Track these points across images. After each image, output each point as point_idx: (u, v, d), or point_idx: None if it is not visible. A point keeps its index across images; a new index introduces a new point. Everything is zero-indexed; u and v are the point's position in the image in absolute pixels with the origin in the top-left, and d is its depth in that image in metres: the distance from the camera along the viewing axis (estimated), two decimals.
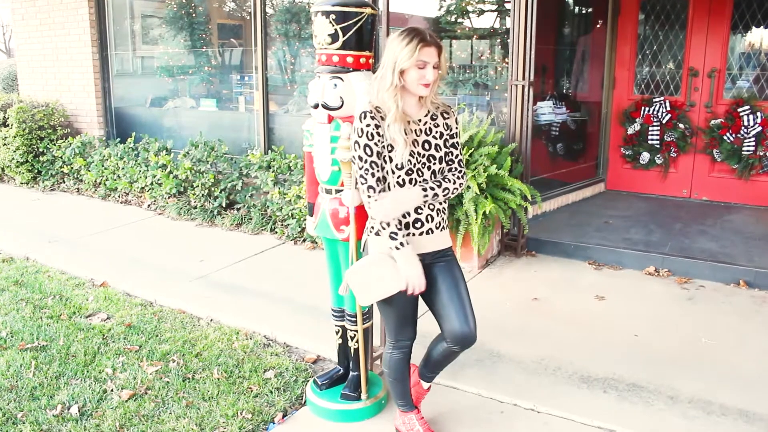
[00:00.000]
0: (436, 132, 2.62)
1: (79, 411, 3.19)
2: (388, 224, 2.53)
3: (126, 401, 3.27)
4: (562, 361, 3.66)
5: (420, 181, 2.57)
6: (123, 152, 7.21)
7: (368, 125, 2.51)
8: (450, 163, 2.69)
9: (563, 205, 6.57)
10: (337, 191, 2.95)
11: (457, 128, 2.70)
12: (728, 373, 3.53)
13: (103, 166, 7.33)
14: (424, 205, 2.59)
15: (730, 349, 3.81)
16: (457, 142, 2.71)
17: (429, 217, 2.61)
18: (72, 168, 7.66)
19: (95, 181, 7.45)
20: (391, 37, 2.52)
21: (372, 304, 3.13)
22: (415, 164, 2.56)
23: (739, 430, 3.03)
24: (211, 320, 4.23)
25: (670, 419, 3.12)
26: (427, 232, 2.62)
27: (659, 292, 4.68)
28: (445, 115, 2.66)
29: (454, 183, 2.65)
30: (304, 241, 5.69)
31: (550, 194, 6.24)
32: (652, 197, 6.99)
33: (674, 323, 4.15)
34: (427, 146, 2.59)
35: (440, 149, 2.62)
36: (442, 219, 2.67)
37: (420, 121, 2.60)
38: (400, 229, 2.53)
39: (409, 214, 2.58)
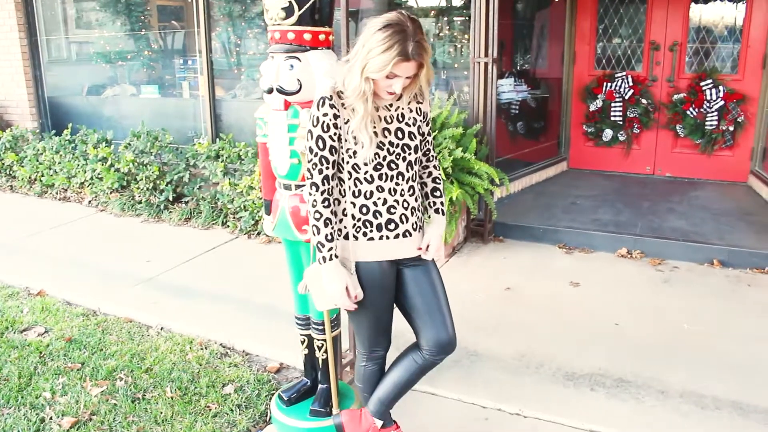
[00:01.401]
0: (410, 118, 2.31)
1: None
2: (318, 230, 2.23)
3: (67, 431, 2.90)
4: (543, 356, 3.43)
5: (393, 176, 2.26)
6: (59, 145, 6.70)
7: (325, 114, 2.19)
8: (427, 153, 2.40)
9: (527, 186, 6.37)
10: (298, 187, 2.62)
11: (430, 113, 2.41)
12: (715, 362, 3.35)
13: (37, 161, 6.82)
14: (398, 204, 2.28)
15: (713, 335, 3.64)
16: (430, 129, 2.41)
17: (403, 218, 2.31)
18: (3, 164, 7.12)
19: (30, 178, 6.93)
20: (372, 25, 2.13)
21: (339, 311, 2.83)
22: (386, 157, 2.24)
23: (735, 425, 2.85)
24: (162, 329, 3.87)
25: (663, 416, 2.92)
26: (404, 235, 2.32)
27: (634, 275, 4.50)
28: (419, 99, 2.35)
29: (440, 180, 2.46)
30: (258, 234, 5.33)
31: (514, 175, 6.01)
32: (615, 175, 6.84)
33: (653, 308, 3.97)
34: (400, 135, 2.28)
35: (415, 137, 2.32)
36: (418, 218, 2.37)
37: (391, 106, 2.28)
38: (331, 240, 2.24)
39: (381, 214, 2.27)
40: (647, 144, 6.75)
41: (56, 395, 3.19)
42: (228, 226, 5.55)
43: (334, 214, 2.26)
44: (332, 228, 2.24)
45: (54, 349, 3.62)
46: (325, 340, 2.75)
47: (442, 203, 2.46)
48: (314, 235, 2.24)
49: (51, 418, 3.00)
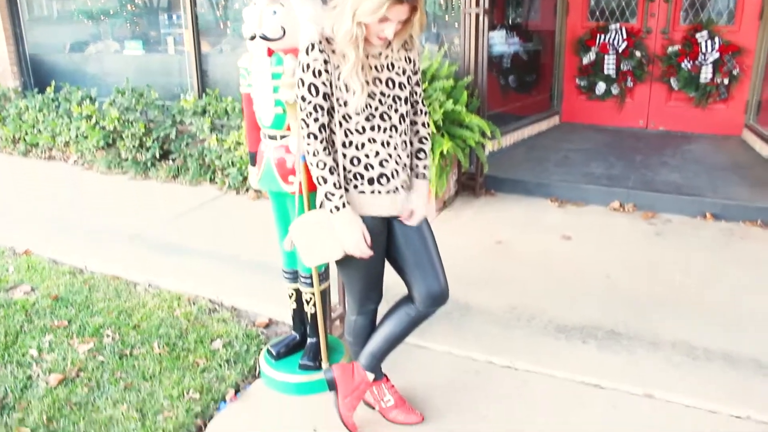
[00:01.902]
0: (399, 68, 2.23)
1: None
2: (325, 180, 2.16)
3: (54, 388, 2.87)
4: (535, 309, 3.40)
5: (386, 128, 2.18)
6: (42, 104, 6.55)
7: (315, 60, 2.10)
8: (415, 104, 2.32)
9: (519, 141, 6.29)
10: (283, 137, 2.55)
11: (419, 62, 2.32)
12: (707, 313, 3.34)
13: (20, 119, 6.67)
14: (390, 158, 2.21)
15: (705, 287, 3.62)
16: (420, 79, 2.33)
17: (395, 173, 2.24)
18: None
19: (13, 137, 6.80)
20: None
21: (328, 264, 2.78)
22: (377, 107, 2.16)
23: (726, 376, 2.84)
24: (149, 285, 3.82)
25: (655, 367, 2.90)
26: (394, 191, 2.25)
27: (627, 229, 4.47)
28: (407, 47, 2.25)
29: (427, 140, 2.37)
30: (247, 190, 5.26)
31: (506, 129, 5.92)
32: (608, 129, 6.76)
33: (646, 261, 3.94)
34: (391, 85, 2.19)
35: (405, 87, 2.23)
36: (408, 176, 2.31)
37: (381, 54, 2.19)
38: (339, 187, 2.17)
39: (372, 167, 2.20)
40: (641, 97, 6.66)
41: (43, 353, 3.15)
42: (216, 183, 5.47)
43: (336, 162, 2.19)
44: (338, 175, 2.17)
45: (40, 307, 3.57)
46: (313, 294, 2.70)
47: (425, 167, 2.36)
48: (321, 184, 2.16)
49: (38, 376, 2.97)
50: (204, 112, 5.53)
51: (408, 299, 2.38)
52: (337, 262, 2.33)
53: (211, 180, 5.51)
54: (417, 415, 2.58)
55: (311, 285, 2.69)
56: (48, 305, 3.58)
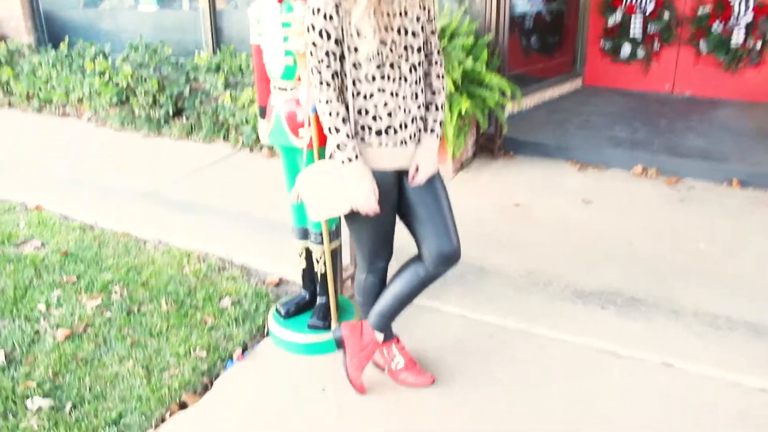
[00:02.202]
0: (413, 15, 2.11)
1: (6, 358, 2.75)
2: (337, 130, 2.06)
3: (61, 343, 2.83)
4: (552, 273, 3.31)
5: (395, 78, 2.07)
6: (56, 60, 6.47)
7: (326, 3, 1.99)
8: (429, 55, 2.20)
9: (539, 103, 6.12)
10: (293, 89, 2.44)
11: (434, 10, 2.19)
12: (730, 282, 3.22)
13: (34, 75, 6.60)
14: (399, 109, 2.10)
15: (729, 255, 3.50)
16: (435, 28, 2.20)
17: (403, 125, 2.13)
18: (0, 79, 6.91)
19: (27, 93, 6.73)
20: None
21: (340, 222, 2.70)
22: (387, 56, 2.05)
23: (749, 347, 2.74)
24: (159, 242, 3.77)
25: (676, 336, 2.81)
26: (402, 143, 2.15)
27: (650, 194, 4.33)
28: None
29: (440, 93, 2.23)
30: (261, 149, 5.17)
31: (526, 91, 5.73)
32: (632, 93, 6.56)
33: (668, 228, 3.82)
34: (403, 32, 2.07)
35: (418, 36, 2.11)
36: (418, 129, 2.20)
37: (394, 0, 2.07)
38: (352, 138, 2.07)
39: (380, 118, 2.09)
40: (667, 61, 6.44)
41: (51, 308, 3.11)
42: (229, 141, 5.38)
43: (348, 112, 2.09)
44: (350, 125, 2.08)
45: (50, 262, 3.53)
46: (323, 252, 2.62)
47: (436, 121, 2.23)
48: (333, 134, 2.07)
49: (45, 331, 2.93)
50: (218, 68, 5.42)
51: (418, 258, 2.28)
52: (346, 218, 2.24)
53: (225, 138, 5.43)
54: (427, 376, 2.51)
55: (321, 243, 2.61)
56: (57, 260, 3.54)
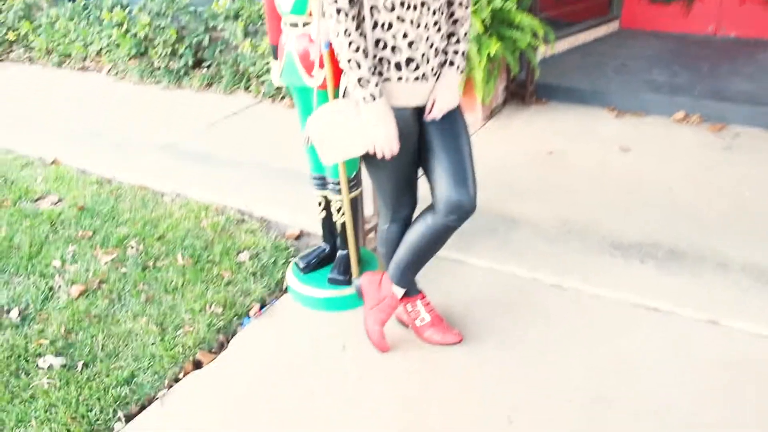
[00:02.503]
0: None
1: (19, 314, 2.67)
2: (358, 64, 1.87)
3: (75, 299, 2.74)
4: (588, 224, 3.12)
5: (416, 5, 1.85)
6: (72, 12, 6.31)
7: None
8: None
9: (573, 47, 5.81)
10: (306, 24, 2.25)
11: None
12: None
13: (52, 28, 6.46)
14: (420, 40, 1.90)
15: None
16: None
17: (424, 57, 1.93)
18: (19, 34, 6.79)
19: (47, 48, 6.61)
20: None
21: (360, 169, 2.53)
22: None
23: None
24: (177, 196, 3.64)
25: (721, 292, 2.61)
26: (422, 77, 1.95)
27: (692, 142, 4.07)
28: None
29: (463, 23, 2.01)
30: (282, 98, 4.99)
31: (559, 34, 5.43)
32: (672, 35, 6.20)
33: (712, 177, 3.57)
34: None
35: None
36: (440, 63, 2.00)
37: None
38: (374, 73, 1.88)
39: (400, 50, 1.90)
40: (711, 0, 6.06)
41: (66, 264, 3.02)
42: (251, 91, 5.21)
43: (367, 44, 1.89)
44: (372, 60, 1.89)
45: (66, 217, 3.43)
46: (342, 202, 2.47)
47: (457, 53, 2.01)
48: (353, 69, 1.87)
49: (60, 287, 2.84)
50: (237, 16, 5.21)
51: (431, 207, 2.09)
52: (365, 163, 2.07)
53: (246, 88, 5.26)
54: (454, 334, 2.36)
55: (340, 192, 2.45)
56: (73, 215, 3.44)
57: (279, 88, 4.94)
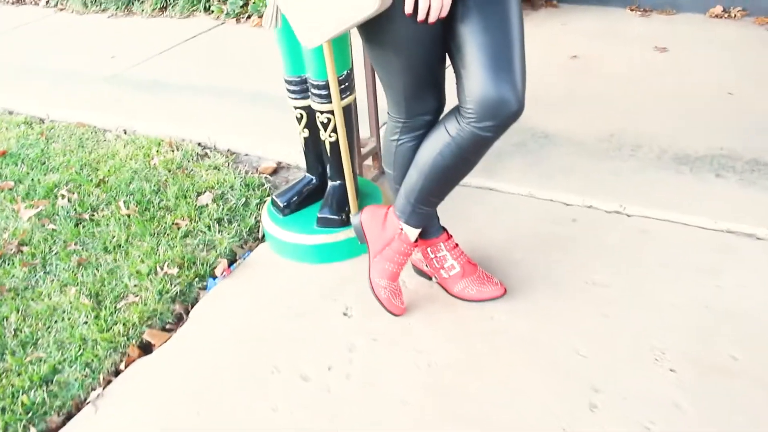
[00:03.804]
0: None
1: None
2: None
3: None
4: (639, 136, 2.47)
5: None
6: None
7: None
8: None
9: None
10: None
11: None
12: None
13: None
14: None
15: None
16: None
17: None
18: None
19: None
20: None
21: (351, 64, 1.84)
22: None
23: None
24: (124, 132, 2.95)
25: None
26: None
27: (738, 37, 3.40)
28: None
29: None
30: (249, 17, 4.24)
31: None
32: None
33: None
34: None
35: None
36: None
37: None
38: None
39: None
40: None
41: None
42: (212, 12, 4.44)
43: None
44: None
45: None
46: (331, 113, 1.79)
47: None
48: None
49: None
50: None
51: (454, 109, 1.42)
52: (369, 43, 1.39)
53: (206, 9, 4.50)
54: (495, 285, 1.72)
55: (328, 98, 1.77)
56: None
57: (245, 6, 4.19)
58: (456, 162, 1.43)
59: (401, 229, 1.60)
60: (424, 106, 1.48)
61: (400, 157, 1.57)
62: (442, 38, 1.37)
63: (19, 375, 1.63)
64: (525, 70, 1.34)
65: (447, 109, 1.50)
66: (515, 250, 1.91)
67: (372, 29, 1.34)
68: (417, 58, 1.37)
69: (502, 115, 1.32)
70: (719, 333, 1.56)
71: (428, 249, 1.73)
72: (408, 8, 1.23)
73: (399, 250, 1.65)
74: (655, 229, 1.96)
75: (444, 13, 1.24)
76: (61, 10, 5.14)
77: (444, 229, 1.74)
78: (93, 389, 1.59)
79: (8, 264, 2.08)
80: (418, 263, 1.81)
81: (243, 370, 1.59)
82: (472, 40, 1.31)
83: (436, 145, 1.44)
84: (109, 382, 1.60)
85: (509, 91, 1.30)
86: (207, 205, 2.24)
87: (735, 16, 3.71)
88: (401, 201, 1.59)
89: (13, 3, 5.55)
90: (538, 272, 1.81)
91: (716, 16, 3.75)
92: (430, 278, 1.80)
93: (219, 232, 2.10)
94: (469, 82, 1.32)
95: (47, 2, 5.32)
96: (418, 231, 1.62)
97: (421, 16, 1.23)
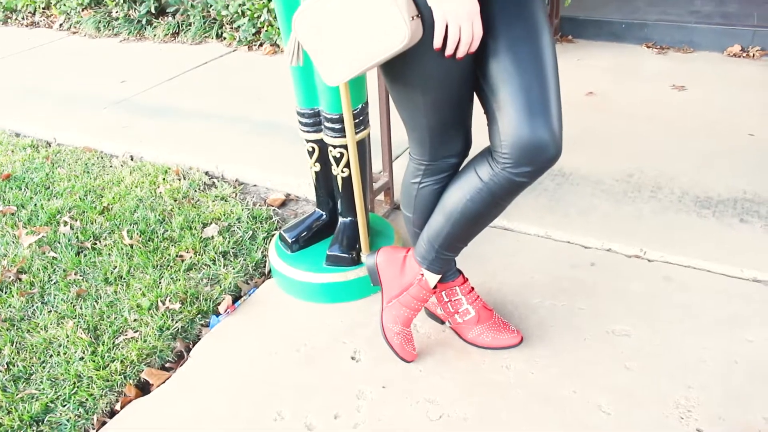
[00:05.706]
0: None
1: None
2: None
3: None
4: (658, 176, 2.40)
5: None
6: None
7: None
8: None
9: None
10: None
11: None
12: None
13: None
14: None
15: None
16: None
17: None
18: None
19: None
20: None
21: (367, 98, 1.78)
22: None
23: None
24: (131, 158, 2.90)
25: None
26: None
27: (757, 77, 3.35)
28: None
29: None
30: (260, 45, 4.22)
31: None
32: None
33: None
34: None
35: None
36: None
37: None
38: None
39: None
40: None
41: None
42: (224, 38, 4.42)
43: None
44: None
45: None
46: (344, 147, 1.73)
47: None
48: None
49: None
50: None
51: (486, 152, 1.35)
52: (390, 79, 1.32)
53: (219, 36, 4.47)
54: (512, 332, 1.64)
55: (341, 132, 1.71)
56: None
57: (257, 34, 4.17)
58: (487, 208, 1.36)
59: (422, 274, 1.53)
60: (450, 147, 1.41)
61: (422, 200, 1.50)
62: (472, 77, 1.31)
63: (9, 413, 1.55)
64: (561, 111, 1.28)
65: (473, 150, 1.44)
66: (532, 295, 1.83)
67: (397, 66, 1.27)
68: (444, 98, 1.30)
69: (539, 161, 1.25)
70: (751, 391, 1.48)
71: (443, 293, 1.66)
72: (437, 42, 1.16)
73: (417, 296, 1.57)
74: (678, 276, 1.88)
75: (474, 48, 1.18)
76: (74, 33, 5.13)
77: (460, 272, 1.66)
78: (86, 431, 1.51)
79: (5, 292, 2.01)
80: (431, 306, 1.74)
81: (244, 416, 1.51)
82: (506, 79, 1.24)
83: (465, 190, 1.36)
84: (104, 423, 1.52)
85: (547, 134, 1.23)
86: (212, 237, 2.17)
87: (753, 55, 3.66)
88: (424, 246, 1.51)
89: (27, 25, 5.56)
90: (556, 319, 1.73)
91: (734, 55, 3.70)
92: (443, 322, 1.72)
93: (224, 266, 2.03)
94: (504, 125, 1.25)
95: (60, 25, 5.32)
96: (438, 277, 1.55)
97: (449, 50, 1.17)
